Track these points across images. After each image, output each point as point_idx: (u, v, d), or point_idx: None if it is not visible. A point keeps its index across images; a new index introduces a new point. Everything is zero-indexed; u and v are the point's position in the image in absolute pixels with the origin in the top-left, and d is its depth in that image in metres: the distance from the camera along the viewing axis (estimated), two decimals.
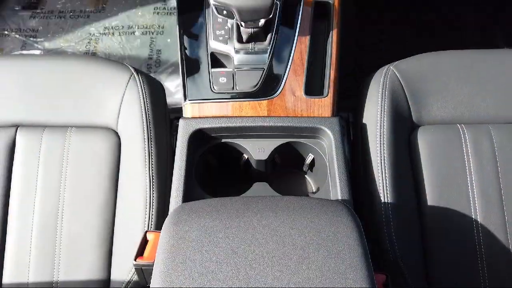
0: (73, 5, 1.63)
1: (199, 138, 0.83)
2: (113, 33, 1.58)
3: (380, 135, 0.81)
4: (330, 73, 0.87)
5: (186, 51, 0.90)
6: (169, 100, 0.97)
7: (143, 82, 0.85)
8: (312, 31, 0.89)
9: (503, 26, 1.54)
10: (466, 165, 0.81)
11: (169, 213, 0.62)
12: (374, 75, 0.88)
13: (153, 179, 0.79)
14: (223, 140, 0.84)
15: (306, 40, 0.88)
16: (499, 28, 1.54)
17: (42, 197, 0.81)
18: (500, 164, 0.80)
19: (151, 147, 0.81)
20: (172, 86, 1.48)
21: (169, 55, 1.55)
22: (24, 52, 1.54)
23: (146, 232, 0.66)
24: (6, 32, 1.58)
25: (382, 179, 0.78)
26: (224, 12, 0.79)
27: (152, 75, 1.48)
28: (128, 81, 0.85)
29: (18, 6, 1.63)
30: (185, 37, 0.91)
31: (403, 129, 0.84)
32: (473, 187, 0.79)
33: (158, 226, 0.77)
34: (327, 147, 0.82)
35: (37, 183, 0.81)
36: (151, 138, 0.82)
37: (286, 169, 0.93)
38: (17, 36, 1.57)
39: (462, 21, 1.57)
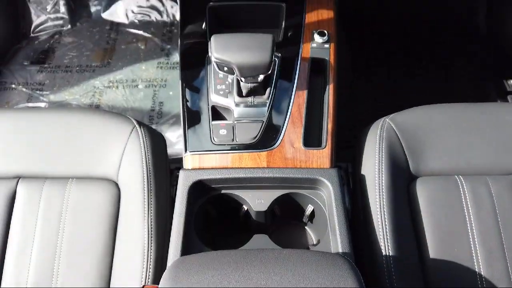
0: (80, 60, 1.70)
1: (199, 189, 0.83)
2: (117, 86, 1.63)
3: (379, 187, 0.81)
4: (328, 125, 0.89)
5: (188, 103, 0.93)
6: (170, 150, 0.99)
7: (145, 134, 0.87)
8: (309, 86, 0.92)
9: (496, 78, 1.60)
10: (466, 217, 0.81)
11: (167, 267, 0.61)
12: (371, 127, 0.90)
13: (151, 230, 0.79)
14: (223, 191, 0.85)
15: (304, 94, 0.91)
16: (492, 81, 1.60)
17: (39, 248, 0.80)
18: (500, 216, 0.80)
19: (151, 198, 0.81)
20: (173, 136, 1.50)
21: (171, 107, 1.59)
22: (30, 104, 1.58)
23: (143, 287, 0.64)
24: (13, 86, 1.63)
25: (383, 230, 0.78)
26: (225, 68, 0.83)
27: (154, 126, 1.52)
28: (131, 133, 0.87)
29: (27, 61, 1.70)
30: (187, 90, 0.94)
31: (402, 180, 0.84)
32: (475, 239, 0.79)
33: (156, 279, 0.76)
34: (327, 198, 0.83)
35: (35, 234, 0.81)
36: (150, 190, 0.82)
37: (286, 221, 0.92)
38: (24, 89, 1.62)
39: (456, 73, 1.63)
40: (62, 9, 1.79)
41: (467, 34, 1.71)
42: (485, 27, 1.71)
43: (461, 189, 0.83)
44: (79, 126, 0.89)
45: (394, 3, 1.74)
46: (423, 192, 0.83)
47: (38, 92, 1.61)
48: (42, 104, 1.58)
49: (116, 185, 0.85)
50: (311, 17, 1.01)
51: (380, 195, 0.80)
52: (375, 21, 1.76)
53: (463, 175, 0.85)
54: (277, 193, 0.84)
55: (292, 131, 0.88)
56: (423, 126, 0.88)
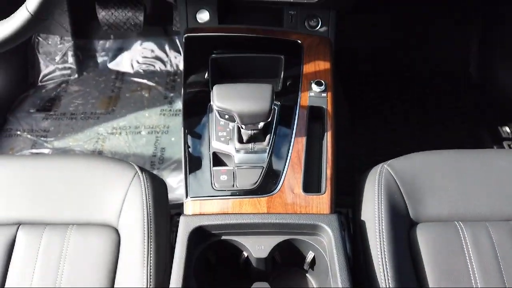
0: (85, 108, 1.75)
1: (199, 235, 0.83)
2: (120, 133, 1.66)
3: (379, 233, 0.81)
4: (327, 171, 0.91)
5: (190, 149, 0.95)
6: (171, 195, 0.99)
7: (146, 180, 0.88)
8: (308, 132, 0.95)
9: (490, 124, 1.63)
10: (468, 263, 0.80)
11: None
12: (369, 173, 0.92)
13: (150, 278, 0.78)
14: (223, 237, 0.84)
15: (303, 140, 0.94)
16: (486, 127, 1.63)
17: None
18: (502, 262, 0.80)
19: (151, 245, 0.81)
20: (174, 182, 1.51)
21: (172, 153, 1.61)
22: (34, 151, 1.60)
23: None
24: (18, 132, 1.66)
25: (384, 276, 0.77)
26: (226, 116, 0.86)
27: (155, 172, 1.53)
28: (132, 179, 0.88)
29: (33, 108, 1.75)
30: (189, 137, 0.96)
31: (402, 226, 0.84)
32: (477, 285, 0.78)
33: None
34: (327, 244, 0.82)
35: (33, 281, 0.80)
36: (151, 236, 0.82)
37: (287, 268, 0.91)
38: (29, 136, 1.65)
39: (451, 120, 1.67)
40: (70, 59, 1.87)
41: (459, 83, 1.77)
42: (477, 76, 1.78)
43: (461, 235, 0.83)
44: (81, 173, 0.90)
45: (389, 55, 1.82)
46: (423, 238, 0.83)
47: (42, 138, 1.64)
48: (46, 151, 1.60)
49: (116, 231, 0.85)
50: (308, 68, 1.05)
51: (380, 241, 0.80)
52: (370, 70, 1.82)
53: (463, 221, 0.85)
54: (278, 239, 0.84)
55: (291, 177, 0.89)
56: (421, 173, 0.89)
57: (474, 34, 1.78)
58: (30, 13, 0.67)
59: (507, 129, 1.59)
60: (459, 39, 1.81)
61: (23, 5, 0.68)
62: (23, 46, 1.82)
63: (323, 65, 1.06)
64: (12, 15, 0.70)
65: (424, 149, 0.96)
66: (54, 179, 0.89)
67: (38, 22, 0.69)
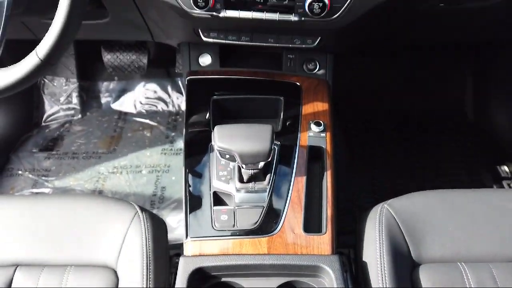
0: (87, 147, 1.77)
1: (198, 277, 0.82)
2: (121, 172, 1.67)
3: (382, 275, 0.80)
4: (327, 210, 0.91)
5: (190, 188, 0.95)
6: (170, 235, 0.99)
7: (146, 220, 0.88)
8: (308, 172, 0.96)
9: (489, 163, 1.64)
10: None
11: None
12: (370, 213, 0.92)
13: None
14: (223, 279, 0.83)
15: (303, 180, 0.94)
16: (485, 166, 1.64)
17: None
18: None
19: (149, 286, 0.80)
20: (174, 221, 1.50)
21: (172, 192, 1.61)
22: (34, 190, 1.60)
23: None
24: (20, 172, 1.67)
25: None
26: (227, 156, 0.87)
27: (155, 211, 1.53)
28: (132, 219, 0.88)
29: (36, 148, 1.76)
30: (190, 176, 0.97)
31: (404, 267, 0.83)
32: None
33: None
34: (329, 286, 0.81)
35: None
36: (149, 278, 0.81)
37: None
38: (30, 175, 1.66)
39: (449, 159, 1.68)
40: (75, 100, 1.91)
41: (456, 122, 1.81)
42: (473, 115, 1.81)
43: (465, 277, 0.81)
44: (81, 212, 0.90)
45: (386, 95, 1.86)
46: (426, 280, 0.81)
47: (43, 178, 1.65)
48: (47, 190, 1.60)
49: (115, 272, 0.84)
50: (307, 108, 1.08)
51: (383, 282, 0.79)
52: (368, 110, 1.86)
53: (466, 263, 0.84)
54: (279, 281, 0.83)
55: (292, 217, 0.89)
56: (422, 213, 0.89)
57: (468, 74, 1.83)
58: (40, 58, 0.70)
59: (506, 168, 1.60)
60: (454, 79, 1.86)
61: (33, 51, 0.72)
62: (29, 87, 1.86)
63: (321, 106, 1.09)
64: (22, 60, 0.73)
65: (423, 188, 0.96)
66: (53, 219, 0.89)
67: (47, 67, 0.72)
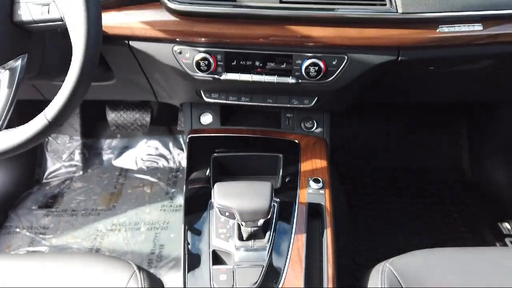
0: (87, 204, 1.76)
1: None
2: (119, 230, 1.65)
3: None
4: (328, 269, 0.89)
5: (189, 246, 0.94)
6: None
7: (143, 280, 0.86)
8: (308, 229, 0.96)
9: (490, 221, 1.63)
10: None
11: None
12: (371, 272, 0.90)
13: None
14: None
15: (302, 237, 0.94)
16: (486, 224, 1.63)
17: None
18: None
19: None
20: (172, 281, 1.46)
21: (171, 250, 1.58)
22: (31, 248, 1.58)
23: None
24: (17, 230, 1.65)
25: None
26: (227, 213, 0.88)
27: (152, 270, 1.49)
28: (129, 279, 0.86)
29: (35, 205, 1.76)
30: (189, 233, 0.97)
31: None
32: None
33: None
34: None
35: None
36: None
37: None
38: (28, 233, 1.64)
39: (449, 216, 1.67)
40: (77, 157, 1.93)
41: (454, 179, 1.82)
42: (470, 172, 1.83)
43: None
44: (77, 272, 0.89)
45: (384, 151, 1.89)
46: None
47: (41, 236, 1.63)
48: (43, 248, 1.58)
49: None
50: (306, 166, 1.10)
51: None
52: (366, 166, 1.88)
53: None
54: None
55: (292, 276, 0.87)
56: (424, 271, 0.88)
57: (463, 131, 1.88)
58: (48, 120, 0.73)
59: (508, 225, 1.59)
60: (450, 136, 1.90)
61: (42, 113, 0.75)
62: None
63: (319, 163, 1.11)
64: (31, 121, 0.76)
65: (424, 245, 0.95)
66: (48, 278, 0.88)
67: (55, 128, 0.75)
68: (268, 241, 0.91)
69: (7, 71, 0.80)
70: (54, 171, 1.91)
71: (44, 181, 1.88)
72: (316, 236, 0.96)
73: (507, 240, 1.54)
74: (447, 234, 1.59)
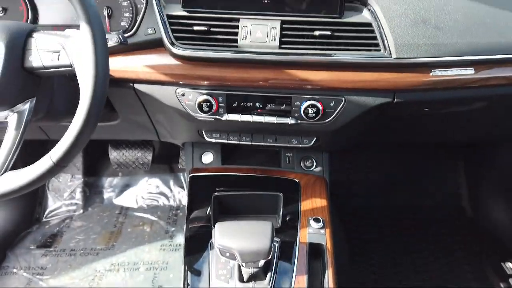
0: (86, 243, 1.75)
1: None
2: (118, 270, 1.63)
3: None
4: None
5: (188, 287, 0.93)
6: None
7: None
8: (309, 270, 0.95)
9: (492, 260, 1.61)
10: None
11: None
12: None
13: None
14: None
15: (304, 278, 0.93)
16: (489, 262, 1.61)
17: None
18: None
19: None
20: None
21: None
22: None
23: None
24: (15, 270, 1.63)
25: None
26: (227, 254, 0.87)
27: None
28: None
29: (34, 245, 1.74)
30: (189, 274, 0.96)
31: None
32: None
33: None
34: None
35: None
36: None
37: None
38: (25, 274, 1.61)
39: (451, 255, 1.65)
40: (78, 195, 1.94)
41: (455, 217, 1.81)
42: (471, 210, 1.82)
43: None
44: None
45: (383, 190, 1.90)
46: None
47: (38, 276, 1.60)
48: None
49: None
50: (306, 205, 1.11)
51: None
52: (366, 205, 1.88)
53: None
54: None
55: None
56: None
57: (461, 169, 1.89)
58: (53, 162, 0.75)
59: (510, 265, 1.56)
60: (448, 174, 1.91)
61: (48, 154, 0.76)
62: None
63: (320, 202, 1.12)
64: (36, 162, 0.77)
65: (428, 284, 0.94)
66: None
67: (59, 170, 0.76)
68: (269, 283, 0.91)
69: (16, 114, 0.82)
70: (55, 209, 1.91)
71: (44, 219, 1.87)
72: (317, 276, 0.96)
73: (511, 281, 1.51)
74: (449, 273, 1.57)
